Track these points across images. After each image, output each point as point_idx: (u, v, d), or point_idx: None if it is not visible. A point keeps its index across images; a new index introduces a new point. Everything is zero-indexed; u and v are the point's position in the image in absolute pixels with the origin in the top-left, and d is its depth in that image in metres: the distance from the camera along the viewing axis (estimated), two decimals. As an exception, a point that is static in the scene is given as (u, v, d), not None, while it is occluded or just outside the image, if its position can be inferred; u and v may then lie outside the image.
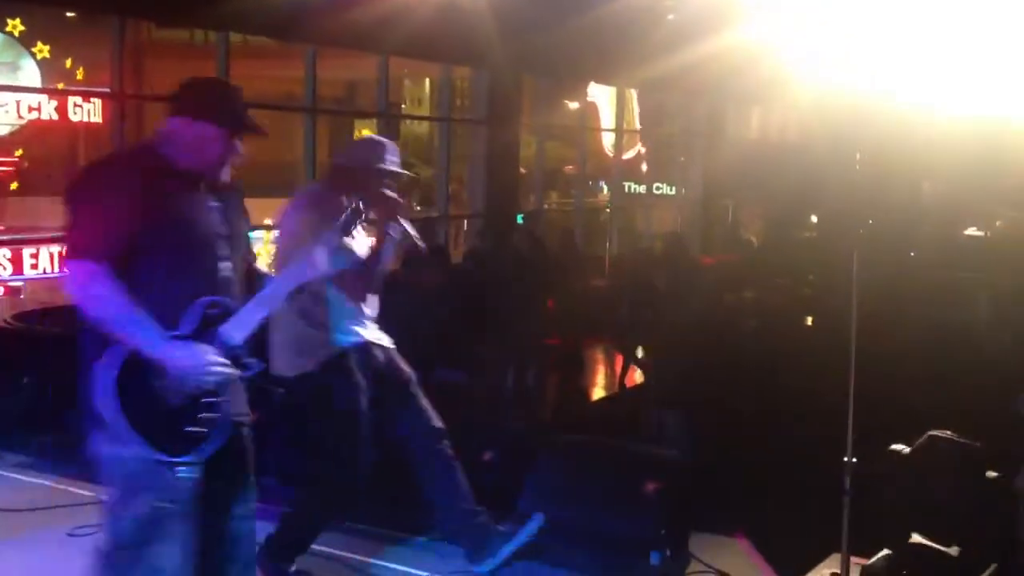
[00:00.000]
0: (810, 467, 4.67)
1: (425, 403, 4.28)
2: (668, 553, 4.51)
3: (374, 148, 4.19)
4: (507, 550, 4.33)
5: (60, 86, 13.86)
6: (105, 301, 2.74)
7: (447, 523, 4.41)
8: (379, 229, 4.10)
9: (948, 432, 4.20)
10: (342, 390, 4.04)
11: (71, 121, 13.23)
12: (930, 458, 4.13)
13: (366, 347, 4.14)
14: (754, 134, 22.33)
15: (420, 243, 4.21)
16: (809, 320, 10.40)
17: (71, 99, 13.22)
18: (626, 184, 20.25)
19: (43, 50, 13.76)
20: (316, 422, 4.24)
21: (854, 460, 3.94)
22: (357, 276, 4.04)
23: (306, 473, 5.19)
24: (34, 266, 12.03)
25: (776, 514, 4.95)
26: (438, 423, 4.28)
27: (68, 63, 14.17)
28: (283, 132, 16.30)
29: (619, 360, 10.98)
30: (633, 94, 19.94)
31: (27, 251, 12.01)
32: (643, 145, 21.94)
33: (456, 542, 4.43)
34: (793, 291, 11.91)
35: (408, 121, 24.48)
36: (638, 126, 21.39)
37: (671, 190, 20.98)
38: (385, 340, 4.24)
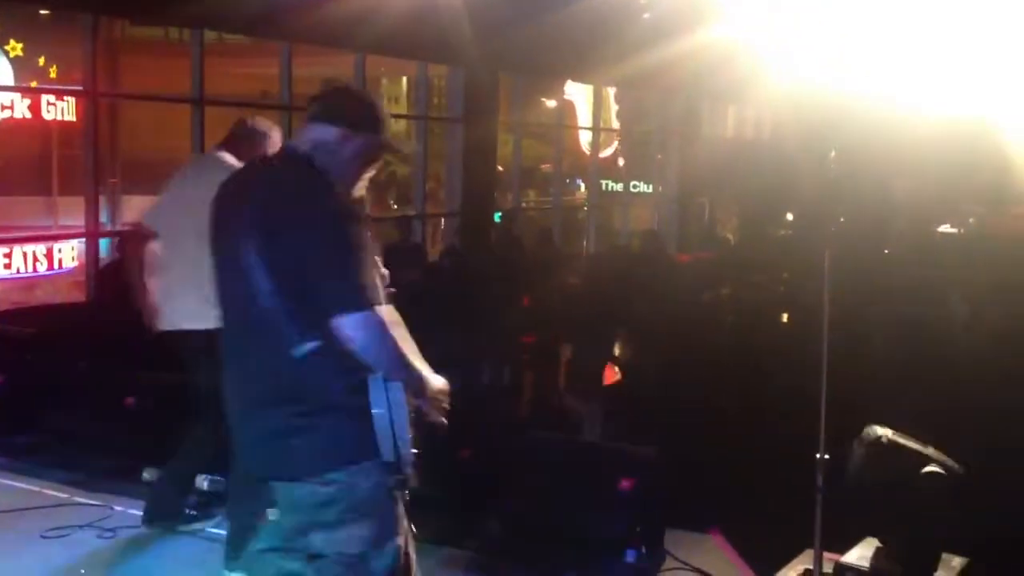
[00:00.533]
0: (786, 463, 4.69)
1: None
2: (643, 550, 4.53)
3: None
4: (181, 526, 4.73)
5: (33, 84, 13.78)
6: (396, 345, 2.62)
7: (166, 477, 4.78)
8: None
9: (890, 431, 4.21)
10: None
11: (44, 120, 13.17)
12: (879, 456, 4.14)
13: None
14: (730, 132, 22.43)
15: None
16: (784, 317, 10.44)
17: (44, 97, 13.15)
18: (604, 182, 20.30)
19: (16, 48, 13.66)
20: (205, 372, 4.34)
21: (827, 457, 3.96)
22: None
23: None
24: (7, 266, 11.95)
25: (752, 510, 4.97)
26: None
27: (41, 61, 14.09)
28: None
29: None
30: (611, 92, 19.99)
31: (0, 251, 11.93)
32: (620, 143, 22.01)
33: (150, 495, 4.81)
34: (769, 288, 11.97)
35: (385, 119, 24.45)
36: (616, 124, 21.44)
37: (648, 188, 21.05)
38: None
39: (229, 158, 4.35)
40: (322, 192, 2.68)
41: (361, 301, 2.57)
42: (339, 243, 2.60)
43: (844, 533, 4.22)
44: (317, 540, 2.73)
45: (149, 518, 4.74)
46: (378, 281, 2.67)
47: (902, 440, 4.16)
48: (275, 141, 4.43)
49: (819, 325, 4.04)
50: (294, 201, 2.67)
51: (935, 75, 14.65)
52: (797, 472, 4.11)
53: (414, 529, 2.86)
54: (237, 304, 2.75)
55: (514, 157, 16.33)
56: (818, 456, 3.97)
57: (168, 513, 4.74)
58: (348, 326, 2.56)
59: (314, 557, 2.75)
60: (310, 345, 2.62)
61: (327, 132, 2.75)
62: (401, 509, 2.78)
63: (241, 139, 4.49)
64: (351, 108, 2.79)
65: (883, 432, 4.15)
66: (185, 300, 4.31)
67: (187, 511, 4.83)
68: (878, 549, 4.18)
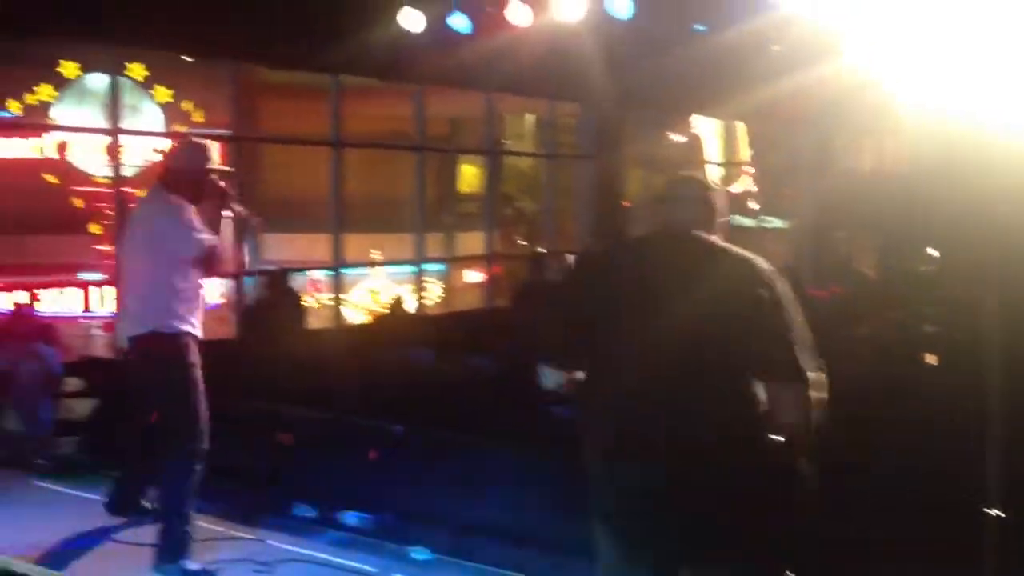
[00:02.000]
0: (945, 518, 4.47)
1: None
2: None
3: (203, 151, 4.82)
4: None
5: (180, 128, 14.37)
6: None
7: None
8: (215, 216, 4.72)
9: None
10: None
11: (191, 163, 13.73)
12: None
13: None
14: (866, 164, 21.88)
15: (251, 217, 4.97)
16: (931, 358, 10.03)
17: (191, 141, 13.69)
18: (735, 217, 20.00)
19: (164, 93, 14.30)
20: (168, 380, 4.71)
21: (998, 513, 3.74)
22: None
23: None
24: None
25: (913, 568, 4.76)
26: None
27: (186, 106, 14.70)
28: (388, 169, 16.57)
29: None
30: (741, 125, 19.76)
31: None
32: (752, 177, 21.67)
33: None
34: (911, 326, 11.55)
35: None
36: (747, 157, 21.15)
37: (782, 223, 20.65)
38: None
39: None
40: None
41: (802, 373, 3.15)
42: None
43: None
44: None
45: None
46: None
47: None
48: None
49: (976, 368, 3.88)
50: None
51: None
52: (960, 528, 3.92)
53: None
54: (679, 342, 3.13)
55: (644, 192, 16.29)
56: (987, 511, 3.77)
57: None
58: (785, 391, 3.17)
59: None
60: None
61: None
62: None
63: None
64: None
65: None
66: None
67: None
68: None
